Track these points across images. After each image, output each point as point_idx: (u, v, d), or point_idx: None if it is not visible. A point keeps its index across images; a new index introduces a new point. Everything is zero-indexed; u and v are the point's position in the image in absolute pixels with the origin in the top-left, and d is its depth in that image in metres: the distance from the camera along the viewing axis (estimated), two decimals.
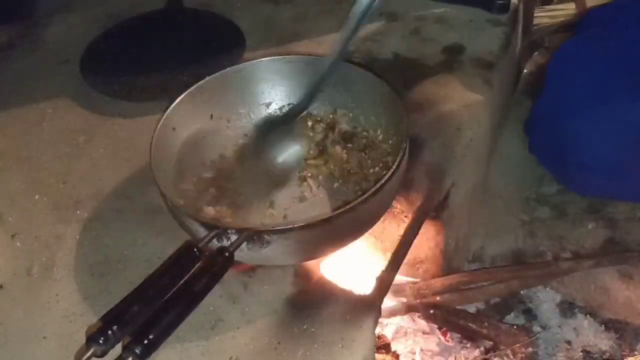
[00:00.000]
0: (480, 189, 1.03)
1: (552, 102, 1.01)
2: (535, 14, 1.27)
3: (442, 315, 0.93)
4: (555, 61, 1.03)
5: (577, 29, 1.10)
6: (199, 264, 0.53)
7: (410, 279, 0.91)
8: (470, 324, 0.90)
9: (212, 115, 0.72)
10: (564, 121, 0.96)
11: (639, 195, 1.01)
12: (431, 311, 0.90)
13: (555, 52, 1.03)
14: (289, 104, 0.75)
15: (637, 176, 0.96)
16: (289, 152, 0.71)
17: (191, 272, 0.53)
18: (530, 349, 0.89)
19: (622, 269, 0.97)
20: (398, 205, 0.74)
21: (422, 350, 0.91)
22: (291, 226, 0.56)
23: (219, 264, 0.53)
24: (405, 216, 0.75)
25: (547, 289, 1.00)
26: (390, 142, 0.69)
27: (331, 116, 0.74)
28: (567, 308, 0.98)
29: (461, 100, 0.83)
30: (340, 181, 0.70)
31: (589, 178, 1.01)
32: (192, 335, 0.59)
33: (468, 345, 0.92)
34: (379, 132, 0.71)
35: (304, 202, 0.69)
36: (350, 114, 0.74)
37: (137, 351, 0.46)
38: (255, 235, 0.55)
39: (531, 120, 1.09)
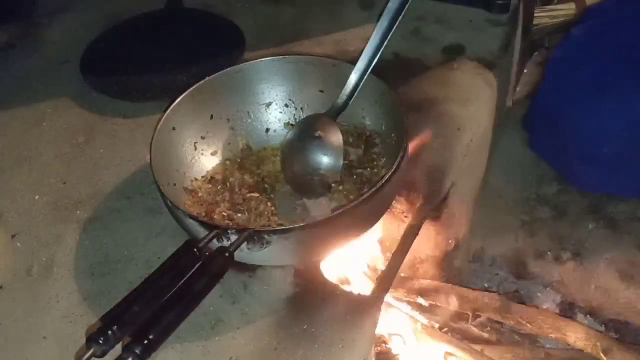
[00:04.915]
0: (481, 189, 1.03)
1: (552, 95, 1.00)
2: (535, 14, 1.27)
3: (444, 314, 0.93)
4: (555, 55, 1.02)
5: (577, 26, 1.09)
6: (199, 264, 0.53)
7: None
8: (472, 327, 0.90)
9: (212, 115, 0.72)
10: (564, 115, 0.95)
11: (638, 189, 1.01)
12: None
13: (555, 47, 1.02)
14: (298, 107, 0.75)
15: (638, 170, 0.95)
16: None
17: (191, 272, 0.52)
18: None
19: (623, 269, 0.98)
20: (398, 205, 0.74)
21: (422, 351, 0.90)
22: (291, 226, 0.56)
23: (219, 264, 0.53)
24: (405, 216, 0.75)
25: (547, 289, 1.00)
26: (391, 142, 0.69)
27: (360, 126, 0.73)
28: (568, 308, 0.99)
29: (461, 100, 0.83)
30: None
31: (591, 172, 1.00)
32: (192, 335, 0.59)
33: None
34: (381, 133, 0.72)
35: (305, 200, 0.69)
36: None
37: (137, 351, 0.46)
38: (255, 236, 0.55)
39: (530, 115, 1.08)
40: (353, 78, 0.67)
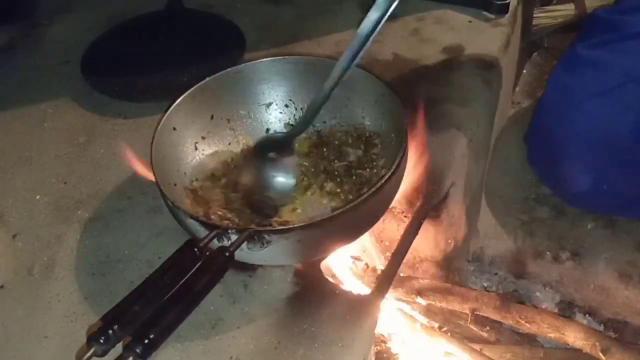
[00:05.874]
0: (480, 189, 1.03)
1: (550, 115, 0.99)
2: (534, 15, 1.27)
3: (443, 314, 0.93)
4: (557, 72, 1.00)
5: (581, 34, 1.06)
6: (199, 263, 0.53)
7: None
8: (471, 326, 0.90)
9: (212, 115, 0.72)
10: (561, 135, 0.94)
11: (636, 211, 1.00)
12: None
13: (558, 62, 1.00)
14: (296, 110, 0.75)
15: (635, 195, 0.94)
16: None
17: (191, 271, 0.52)
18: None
19: (622, 269, 0.98)
20: (398, 205, 0.74)
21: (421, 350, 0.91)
22: (291, 226, 0.56)
23: (219, 264, 0.53)
24: (405, 216, 0.75)
25: (546, 288, 1.00)
26: (390, 142, 0.69)
27: (360, 127, 0.73)
28: (567, 307, 0.99)
29: (461, 100, 0.83)
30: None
31: (588, 197, 0.99)
32: (193, 334, 0.59)
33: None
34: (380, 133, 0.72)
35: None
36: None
37: (138, 350, 0.46)
38: (255, 235, 0.55)
39: (530, 131, 1.07)
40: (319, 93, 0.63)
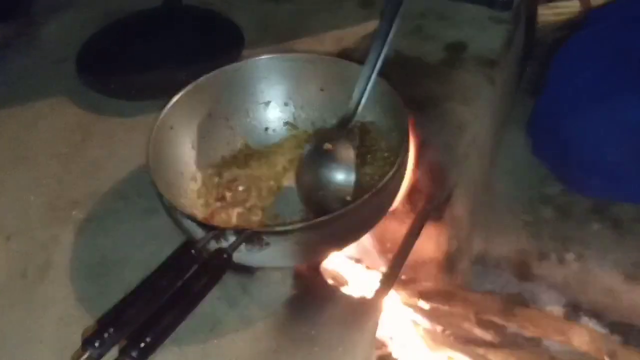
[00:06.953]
0: (483, 189, 1.03)
1: (554, 101, 1.01)
2: (538, 11, 1.27)
3: (446, 317, 0.92)
4: (557, 60, 1.03)
5: (580, 28, 1.09)
6: (197, 265, 0.53)
7: None
8: (475, 330, 0.89)
9: (210, 114, 0.72)
10: (566, 121, 0.96)
11: None
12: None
13: (557, 52, 1.03)
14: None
15: (638, 177, 0.95)
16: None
17: (189, 273, 0.52)
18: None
19: (628, 271, 0.97)
20: (399, 206, 0.73)
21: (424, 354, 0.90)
22: (291, 227, 0.55)
23: (217, 266, 0.53)
24: (407, 217, 0.74)
25: (551, 290, 1.00)
26: (391, 141, 0.68)
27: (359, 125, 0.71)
28: (572, 310, 0.98)
29: (463, 98, 0.82)
30: None
31: (591, 179, 1.00)
32: (190, 338, 0.59)
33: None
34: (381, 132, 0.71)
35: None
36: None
37: (134, 354, 0.45)
38: (254, 237, 0.55)
39: (533, 120, 1.08)
40: (359, 84, 0.65)
